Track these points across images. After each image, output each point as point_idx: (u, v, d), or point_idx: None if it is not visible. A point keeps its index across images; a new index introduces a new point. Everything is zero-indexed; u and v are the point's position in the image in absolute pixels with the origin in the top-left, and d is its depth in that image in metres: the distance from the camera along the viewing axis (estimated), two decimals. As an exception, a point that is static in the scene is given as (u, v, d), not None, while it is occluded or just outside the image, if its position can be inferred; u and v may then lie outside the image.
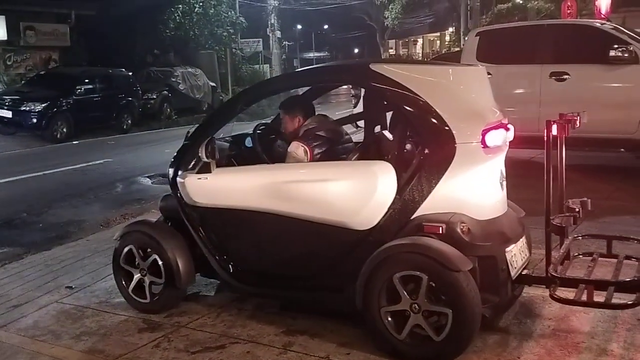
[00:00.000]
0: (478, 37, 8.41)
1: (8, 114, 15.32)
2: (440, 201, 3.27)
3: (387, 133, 3.91)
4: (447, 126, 3.28)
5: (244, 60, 29.15)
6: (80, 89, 16.47)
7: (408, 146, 3.63)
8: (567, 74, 7.49)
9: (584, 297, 3.21)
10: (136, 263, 4.04)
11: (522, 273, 3.45)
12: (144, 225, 4.21)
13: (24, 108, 15.21)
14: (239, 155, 4.14)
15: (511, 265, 3.32)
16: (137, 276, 4.04)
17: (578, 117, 3.54)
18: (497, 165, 3.53)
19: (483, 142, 3.29)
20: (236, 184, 3.82)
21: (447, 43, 36.07)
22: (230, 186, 3.82)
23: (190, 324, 3.83)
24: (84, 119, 16.07)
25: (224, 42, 25.79)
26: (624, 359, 3.13)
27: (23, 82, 18.32)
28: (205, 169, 3.79)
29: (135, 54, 22.23)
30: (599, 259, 3.71)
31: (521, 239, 3.55)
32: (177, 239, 3.97)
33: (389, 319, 3.18)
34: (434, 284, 3.06)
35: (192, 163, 3.87)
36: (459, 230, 3.17)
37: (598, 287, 3.23)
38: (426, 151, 3.34)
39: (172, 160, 4.05)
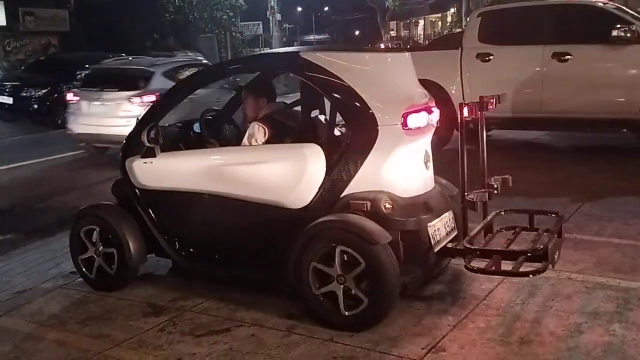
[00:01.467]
0: (480, 18, 8.36)
1: (9, 100, 15.29)
2: (366, 180, 3.51)
3: (322, 117, 4.12)
4: (370, 110, 3.50)
5: (244, 44, 29.01)
6: (81, 74, 16.37)
7: (338, 129, 3.85)
8: (570, 55, 7.45)
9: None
10: (92, 242, 4.22)
11: (447, 246, 3.64)
12: (97, 208, 4.34)
13: (25, 94, 15.17)
14: (188, 140, 4.29)
15: (434, 239, 3.55)
16: (90, 255, 4.23)
17: (494, 100, 3.74)
18: (421, 146, 3.76)
19: (404, 124, 3.51)
20: (179, 167, 4.03)
21: (448, 24, 35.82)
22: (174, 169, 4.03)
23: (194, 308, 3.86)
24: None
25: (224, 25, 25.66)
26: (533, 324, 3.25)
27: (23, 68, 18.27)
28: (150, 153, 3.99)
29: (135, 39, 22.12)
30: (522, 232, 3.93)
31: (446, 214, 3.75)
32: (129, 221, 4.14)
33: (319, 291, 3.41)
34: (356, 257, 3.29)
35: (139, 148, 4.06)
36: (382, 207, 3.42)
37: (507, 257, 3.44)
38: (352, 134, 3.60)
39: (122, 145, 4.27)
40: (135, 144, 4.13)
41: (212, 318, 3.70)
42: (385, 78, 3.72)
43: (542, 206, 5.50)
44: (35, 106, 15.08)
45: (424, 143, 3.80)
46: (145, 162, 4.04)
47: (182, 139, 4.29)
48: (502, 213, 4.14)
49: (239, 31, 28.35)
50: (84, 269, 4.29)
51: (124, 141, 4.29)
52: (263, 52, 4.23)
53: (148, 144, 3.93)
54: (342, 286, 3.34)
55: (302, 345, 3.27)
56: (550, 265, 3.40)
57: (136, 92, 9.24)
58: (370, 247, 3.26)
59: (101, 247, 4.19)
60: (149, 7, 22.34)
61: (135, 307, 3.95)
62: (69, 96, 10.27)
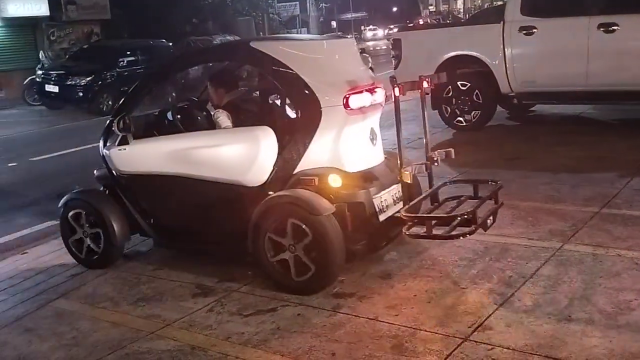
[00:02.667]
0: (522, -10, 8.11)
1: (55, 88, 15.70)
2: (314, 158, 3.84)
3: (278, 101, 4.43)
4: (313, 93, 3.79)
5: (281, 25, 29.00)
6: (123, 61, 16.70)
7: (290, 112, 4.13)
8: (616, 25, 7.19)
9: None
10: (80, 224, 4.57)
11: (395, 215, 3.86)
12: (83, 193, 4.70)
13: (70, 82, 15.56)
14: (161, 127, 4.56)
15: (380, 209, 3.83)
16: (79, 237, 4.58)
17: (429, 79, 4.07)
18: (366, 124, 4.03)
19: (346, 105, 3.78)
20: (150, 152, 4.36)
21: (489, -3, 34.92)
22: (145, 155, 4.37)
23: (241, 289, 3.94)
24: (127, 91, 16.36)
25: (261, 7, 25.66)
26: (581, 301, 3.16)
27: (67, 56, 18.70)
28: (123, 141, 4.37)
29: (175, 24, 22.36)
30: (468, 200, 4.08)
31: (394, 187, 3.99)
32: (111, 204, 4.52)
33: (273, 259, 3.76)
34: (303, 227, 3.59)
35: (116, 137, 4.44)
36: (328, 182, 3.73)
37: (440, 223, 3.66)
38: (299, 116, 3.95)
39: (101, 134, 4.64)
40: (112, 134, 4.49)
41: (259, 298, 3.78)
42: (328, 63, 4.04)
43: (589, 182, 5.41)
44: (81, 94, 15.46)
45: (370, 121, 4.08)
46: (120, 149, 4.40)
47: (156, 126, 4.57)
48: (448, 184, 4.43)
49: (276, 12, 28.34)
50: (74, 250, 4.65)
51: (103, 131, 4.64)
52: (218, 43, 4.63)
53: (119, 133, 4.31)
54: (293, 255, 3.67)
55: (347, 325, 3.31)
56: (482, 229, 3.65)
57: None
58: (315, 218, 3.57)
59: (88, 228, 4.53)
60: (188, -8, 22.54)
61: (185, 289, 4.06)
62: None
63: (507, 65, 7.93)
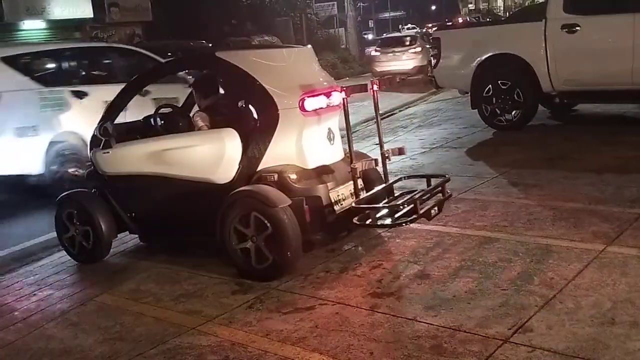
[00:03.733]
0: (564, -13, 7.96)
1: (99, 89, 16.05)
2: (275, 156, 4.20)
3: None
4: (271, 97, 4.16)
5: (319, 25, 29.06)
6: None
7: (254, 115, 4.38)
8: (664, 22, 7.00)
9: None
10: (72, 223, 4.93)
11: (356, 207, 4.15)
12: (74, 194, 5.06)
13: (113, 83, 15.88)
14: (144, 132, 4.93)
15: (336, 202, 4.21)
16: (72, 234, 4.93)
17: (379, 82, 4.58)
18: (322, 125, 4.39)
19: (302, 107, 4.13)
20: (130, 154, 4.75)
21: (530, -6, 34.31)
22: (126, 157, 4.76)
23: (280, 286, 3.98)
24: (169, 91, 16.63)
25: (299, 7, 25.76)
26: (625, 304, 3.07)
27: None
28: (107, 145, 4.77)
29: (214, 25, 22.65)
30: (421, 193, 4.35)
31: (351, 182, 4.27)
32: (99, 203, 4.88)
33: (237, 246, 4.11)
34: (262, 218, 3.96)
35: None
36: (287, 177, 4.08)
37: (390, 213, 4.07)
38: (259, 118, 4.25)
39: (90, 139, 5.06)
40: (98, 138, 4.88)
41: (297, 296, 3.81)
42: (285, 70, 4.44)
43: (635, 183, 5.29)
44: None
45: (327, 122, 4.44)
46: (105, 153, 4.81)
47: (140, 131, 4.96)
48: (403, 179, 4.89)
49: (313, 12, 28.40)
50: (67, 246, 5.00)
51: (91, 136, 5.03)
52: (185, 55, 5.28)
53: (101, 137, 4.76)
54: (254, 244, 4.04)
55: (385, 324, 3.31)
56: (426, 218, 4.08)
57: None
58: (272, 210, 3.92)
59: (79, 226, 4.88)
60: (227, -7, 22.81)
61: (225, 285, 4.12)
62: None
63: (549, 64, 7.80)
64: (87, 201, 4.89)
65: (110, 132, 4.72)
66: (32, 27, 19.11)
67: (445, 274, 3.86)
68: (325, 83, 4.47)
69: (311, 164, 4.28)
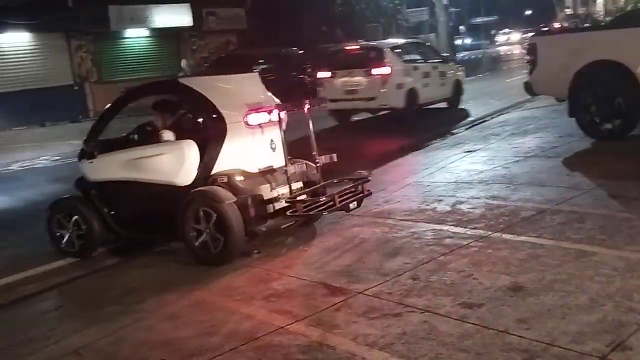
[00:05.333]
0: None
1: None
2: (225, 162, 5.06)
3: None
4: (221, 113, 5.04)
5: (409, 31, 28.88)
6: (256, 69, 17.47)
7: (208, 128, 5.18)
8: None
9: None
10: (64, 224, 5.65)
11: (289, 201, 5.01)
12: (65, 199, 5.84)
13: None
14: (125, 145, 5.63)
15: (276, 200, 5.09)
16: (64, 232, 5.65)
17: (310, 101, 5.33)
18: (265, 136, 5.22)
19: (246, 122, 5.07)
20: (109, 163, 5.54)
21: (634, -2, 32.46)
22: (106, 165, 5.56)
23: (367, 291, 4.01)
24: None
25: (390, 13, 25.72)
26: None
27: (207, 65, 19.89)
28: (91, 156, 5.62)
29: (305, 32, 23.04)
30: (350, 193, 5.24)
31: (292, 183, 5.13)
32: (89, 206, 5.62)
33: (195, 239, 4.93)
34: (211, 213, 4.80)
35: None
36: (234, 179, 4.95)
37: (312, 208, 4.94)
38: (211, 131, 5.10)
39: (78, 153, 5.80)
40: (84, 151, 5.69)
41: (384, 302, 3.82)
42: (234, 91, 5.38)
43: None
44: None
45: (269, 134, 5.24)
46: (89, 162, 5.63)
47: (121, 145, 5.68)
48: (334, 182, 5.61)
49: (404, 18, 28.26)
50: (60, 244, 5.68)
51: (80, 149, 5.79)
52: (149, 83, 6.33)
53: (86, 149, 5.62)
54: (207, 234, 4.86)
55: (475, 335, 3.26)
56: (345, 210, 5.10)
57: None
58: (219, 205, 4.75)
59: (71, 227, 5.61)
60: (318, 1, 23.10)
61: (313, 287, 4.20)
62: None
63: (655, 71, 7.37)
64: (78, 204, 5.66)
65: (94, 146, 5.62)
66: (135, 35, 20.23)
67: (538, 287, 3.75)
68: (267, 102, 5.33)
69: (255, 168, 5.14)
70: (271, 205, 5.05)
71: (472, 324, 3.39)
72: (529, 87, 9.09)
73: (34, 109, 17.44)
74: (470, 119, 12.35)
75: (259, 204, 4.96)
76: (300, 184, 5.35)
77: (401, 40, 15.62)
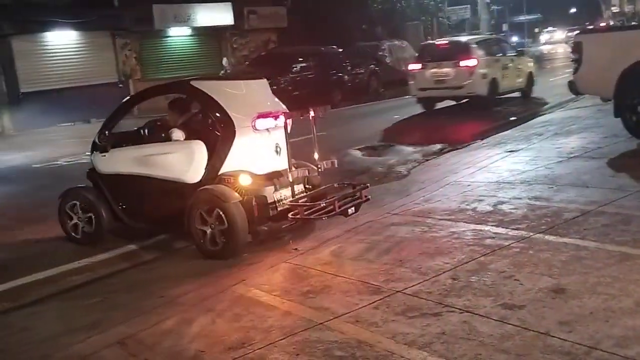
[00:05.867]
0: None
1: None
2: (232, 163, 5.29)
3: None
4: (230, 118, 5.28)
5: (450, 29, 28.57)
6: (296, 67, 17.58)
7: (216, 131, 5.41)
8: None
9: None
10: (75, 213, 6.02)
11: (292, 205, 5.23)
12: (77, 189, 6.18)
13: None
14: (135, 140, 5.99)
15: (278, 202, 5.30)
16: (75, 222, 6.03)
17: (316, 110, 5.55)
18: (271, 140, 5.45)
19: (254, 126, 5.27)
20: (122, 158, 5.87)
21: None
22: (118, 160, 5.88)
23: (406, 290, 4.00)
24: (299, 96, 17.12)
25: (431, 11, 25.49)
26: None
27: (247, 63, 20.07)
28: (104, 149, 5.92)
29: (345, 30, 23.02)
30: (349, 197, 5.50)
31: (295, 185, 5.38)
32: (98, 196, 5.96)
33: (201, 234, 5.17)
34: (219, 211, 5.03)
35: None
36: (240, 180, 5.16)
37: (312, 212, 5.11)
38: (220, 134, 5.33)
39: (91, 145, 6.09)
40: (97, 145, 6.00)
41: (423, 302, 3.80)
42: (243, 96, 5.58)
43: None
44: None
45: (275, 138, 5.45)
46: (102, 156, 5.95)
47: (132, 138, 6.03)
48: (335, 185, 5.86)
49: (445, 16, 27.96)
50: (72, 233, 6.05)
51: (92, 142, 6.10)
52: (164, 84, 6.39)
53: (99, 143, 5.93)
54: (212, 230, 5.12)
55: (516, 337, 3.22)
56: (344, 215, 5.27)
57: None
58: (225, 204, 4.99)
59: (82, 215, 5.97)
60: (359, -1, 23.09)
61: (351, 285, 4.21)
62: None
63: None
64: (88, 194, 6.01)
65: (107, 140, 5.92)
66: (177, 34, 20.56)
67: (581, 289, 3.68)
68: (274, 108, 5.56)
69: (260, 171, 5.36)
70: (274, 207, 5.27)
71: (513, 325, 3.35)
72: (573, 87, 8.90)
73: (79, 106, 17.89)
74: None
75: (263, 204, 5.18)
76: (302, 187, 5.60)
77: (484, 36, 17.78)
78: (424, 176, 7.56)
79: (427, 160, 8.80)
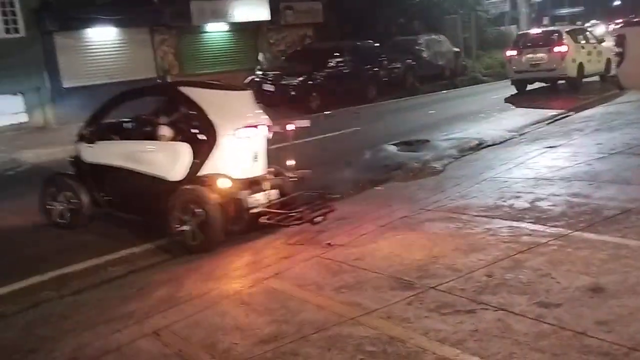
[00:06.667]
0: None
1: (271, 88, 16.99)
2: (213, 166, 5.64)
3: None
4: (214, 126, 5.63)
5: (489, 23, 28.10)
6: (332, 62, 17.53)
7: (200, 135, 5.77)
8: None
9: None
10: (57, 198, 6.49)
11: (265, 210, 5.67)
12: (60, 175, 6.71)
13: (284, 82, 16.70)
14: (121, 132, 6.45)
15: (252, 205, 5.63)
16: (56, 205, 6.48)
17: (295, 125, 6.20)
18: (250, 148, 5.80)
19: (235, 135, 5.64)
20: (108, 150, 6.32)
21: None
22: (104, 151, 6.33)
23: (439, 286, 3.96)
24: (335, 91, 17.10)
25: (469, 5, 25.10)
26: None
27: (283, 58, 20.11)
28: (91, 141, 6.41)
29: (382, 25, 22.85)
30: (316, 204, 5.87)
31: (271, 191, 5.85)
32: (80, 183, 6.42)
33: (179, 229, 5.53)
34: (198, 210, 5.40)
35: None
36: (219, 183, 5.51)
37: (282, 220, 5.55)
38: (204, 138, 5.70)
39: (76, 135, 6.58)
40: (83, 135, 6.50)
41: (457, 298, 3.76)
42: (227, 106, 5.93)
43: None
44: (292, 93, 16.50)
45: (254, 146, 5.83)
46: (89, 146, 6.42)
47: (119, 132, 6.46)
48: (304, 193, 6.14)
49: (484, 10, 27.50)
50: (52, 216, 6.49)
51: (77, 132, 6.58)
52: (151, 85, 7.61)
53: (86, 136, 6.43)
54: (190, 227, 5.45)
55: (552, 336, 3.16)
56: (311, 223, 5.52)
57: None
58: (205, 204, 5.37)
59: (63, 200, 6.42)
60: (395, -8, 22.87)
61: (384, 280, 4.19)
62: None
63: None
64: (70, 181, 6.47)
65: (94, 132, 6.40)
66: (215, 29, 20.72)
67: (620, 289, 3.59)
68: (255, 118, 5.91)
69: (238, 175, 5.69)
70: (248, 210, 5.60)
71: (549, 324, 3.29)
72: (616, 81, 8.67)
73: (119, 101, 18.21)
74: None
75: (239, 207, 5.56)
76: (276, 192, 5.94)
77: (573, 27, 20.84)
78: (460, 172, 7.47)
79: (463, 156, 8.68)
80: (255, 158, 5.88)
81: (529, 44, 16.97)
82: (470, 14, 24.76)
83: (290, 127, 6.04)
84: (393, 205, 6.11)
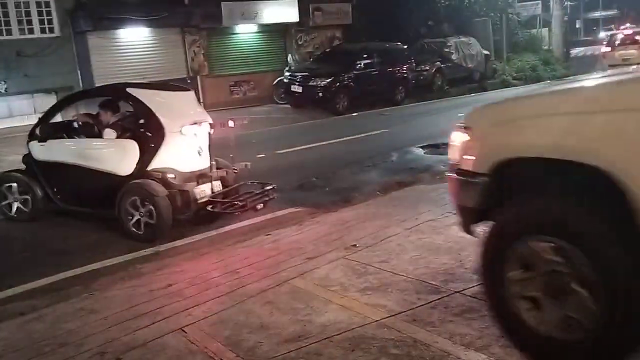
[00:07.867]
0: None
1: (299, 89, 17.07)
2: (161, 161, 6.18)
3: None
4: (161, 124, 6.17)
5: (520, 25, 27.77)
6: (360, 64, 17.52)
7: (147, 132, 6.30)
8: None
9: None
10: (11, 193, 7.07)
11: (211, 200, 6.28)
12: (13, 172, 7.24)
13: (312, 83, 16.76)
14: (69, 131, 7.04)
15: (199, 196, 6.22)
16: (10, 202, 7.10)
17: (235, 121, 6.51)
18: (195, 144, 6.36)
19: (180, 132, 6.20)
20: (59, 148, 6.82)
21: None
22: (55, 149, 6.83)
23: (465, 291, 3.94)
24: (363, 93, 17.09)
25: (500, 7, 24.84)
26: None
27: (311, 59, 20.17)
28: (43, 139, 6.91)
29: (411, 27, 22.75)
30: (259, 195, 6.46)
31: (215, 182, 6.40)
32: (32, 179, 6.93)
33: (130, 219, 6.09)
34: (147, 202, 5.97)
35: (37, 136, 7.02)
36: (166, 176, 6.09)
37: (227, 207, 6.17)
38: (151, 135, 6.22)
39: (28, 133, 7.10)
40: (35, 133, 7.00)
41: (482, 303, 3.70)
42: (172, 105, 6.47)
43: None
44: (320, 94, 16.54)
45: (198, 142, 6.37)
46: (40, 145, 6.92)
47: (66, 130, 7.04)
48: (248, 183, 6.75)
49: (515, 12, 27.19)
50: (6, 211, 7.11)
51: (29, 132, 7.09)
52: (102, 86, 8.21)
53: (36, 133, 6.96)
54: (140, 218, 6.02)
55: (579, 343, 3.11)
56: (253, 210, 6.18)
57: None
58: (153, 197, 5.92)
59: (17, 196, 7.03)
60: (425, -6, 22.75)
61: (409, 283, 4.18)
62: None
63: None
64: (22, 177, 6.99)
65: (45, 131, 6.91)
66: (244, 31, 20.87)
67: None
68: (199, 116, 6.44)
69: (184, 169, 6.25)
70: (195, 200, 6.15)
71: (576, 331, 3.24)
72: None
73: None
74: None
75: (186, 198, 6.09)
76: (219, 183, 6.47)
77: None
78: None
79: (492, 159, 8.59)
80: (200, 152, 6.41)
81: (620, 42, 21.49)
82: (501, 17, 24.49)
83: (230, 123, 6.41)
84: (419, 208, 6.09)
